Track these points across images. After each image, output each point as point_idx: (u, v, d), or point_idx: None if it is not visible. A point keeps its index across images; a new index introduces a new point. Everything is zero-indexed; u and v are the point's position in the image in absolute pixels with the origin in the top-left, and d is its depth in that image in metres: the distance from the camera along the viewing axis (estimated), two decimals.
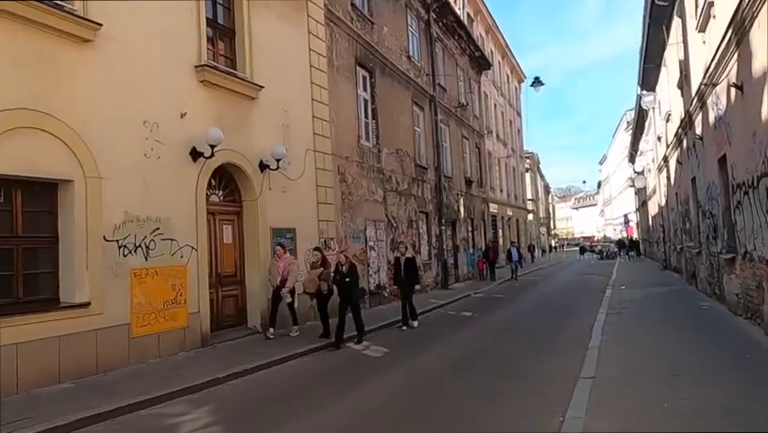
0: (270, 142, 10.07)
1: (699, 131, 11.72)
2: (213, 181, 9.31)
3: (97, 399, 5.84)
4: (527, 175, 49.61)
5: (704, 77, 9.97)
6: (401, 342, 9.52)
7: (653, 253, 32.86)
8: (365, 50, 14.50)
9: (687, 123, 13.03)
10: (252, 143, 9.80)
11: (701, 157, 11.94)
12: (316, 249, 10.41)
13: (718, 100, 9.49)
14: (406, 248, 10.88)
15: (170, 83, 8.22)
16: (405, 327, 10.65)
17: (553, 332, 9.67)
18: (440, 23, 21.22)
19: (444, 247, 19.78)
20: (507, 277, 22.52)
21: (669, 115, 17.33)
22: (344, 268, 9.38)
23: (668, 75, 17.05)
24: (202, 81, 8.74)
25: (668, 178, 19.86)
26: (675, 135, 15.56)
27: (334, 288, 9.59)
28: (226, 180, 9.73)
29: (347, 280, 9.29)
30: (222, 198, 9.66)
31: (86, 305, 6.73)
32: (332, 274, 9.67)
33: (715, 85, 9.48)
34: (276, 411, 5.65)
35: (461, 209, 22.52)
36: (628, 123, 42.26)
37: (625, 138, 46.12)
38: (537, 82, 19.73)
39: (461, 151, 23.67)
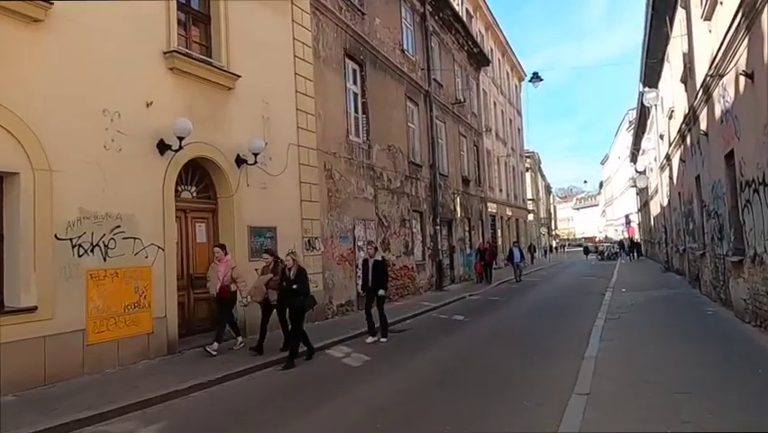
0: (249, 135, 9.48)
1: (703, 126, 11.11)
2: (184, 176, 8.72)
3: (36, 414, 5.25)
4: (528, 175, 49.00)
5: (710, 68, 9.36)
6: (383, 350, 8.91)
7: (654, 254, 32.24)
8: (355, 41, 13.89)
9: (691, 118, 12.42)
10: (228, 136, 9.21)
11: (706, 154, 11.33)
12: (267, 251, 8.75)
13: (725, 92, 8.87)
14: (376, 249, 9.75)
15: (135, 70, 7.63)
16: (371, 339, 9.29)
17: (547, 339, 9.07)
18: (436, 17, 20.60)
19: (439, 247, 19.18)
20: (505, 278, 21.92)
21: (672, 111, 16.71)
22: (291, 273, 7.83)
23: (671, 70, 16.44)
24: (171, 68, 8.15)
25: (670, 177, 19.25)
26: (678, 132, 14.95)
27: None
28: (200, 175, 9.14)
29: (294, 287, 7.74)
30: (195, 194, 9.06)
31: (33, 309, 6.15)
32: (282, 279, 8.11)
33: (722, 76, 8.87)
34: (236, 430, 5.06)
35: (458, 208, 21.91)
36: (630, 122, 41.67)
37: (627, 138, 45.54)
38: (536, 78, 19.12)
39: (457, 148, 23.06)
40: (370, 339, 9.31)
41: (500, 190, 33.94)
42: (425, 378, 6.75)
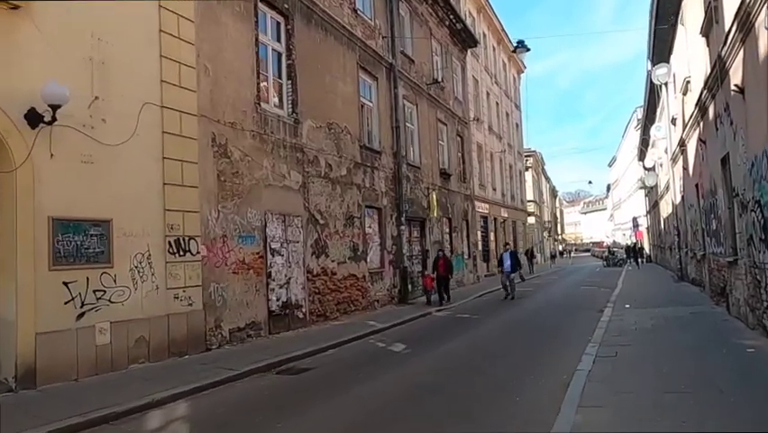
0: (58, 82, 6.30)
1: (737, 79, 7.81)
2: None
3: None
4: (528, 174, 45.61)
5: None
6: (242, 405, 5.69)
7: (665, 260, 28.73)
8: None
9: (717, 77, 9.11)
10: (12, 80, 6.04)
11: (740, 120, 8.03)
12: None
13: None
14: None
15: None
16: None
17: (504, 395, 5.79)
18: None
19: (405, 252, 15.91)
20: (494, 288, 18.53)
21: (688, 83, 13.40)
22: None
23: (686, 32, 13.18)
24: None
25: (685, 168, 15.88)
26: (697, 105, 11.63)
27: None
28: None
29: None
30: None
31: None
32: None
33: None
34: None
35: (434, 206, 18.60)
36: (638, 120, 38.28)
37: (635, 137, 42.00)
38: (522, 47, 15.84)
39: (435, 137, 19.79)
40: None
41: (494, 189, 30.62)
42: None
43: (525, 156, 43.84)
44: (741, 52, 7.57)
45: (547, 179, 63.87)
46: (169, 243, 7.75)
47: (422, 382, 6.54)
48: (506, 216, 33.21)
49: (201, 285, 8.26)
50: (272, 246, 10.04)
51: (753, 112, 7.30)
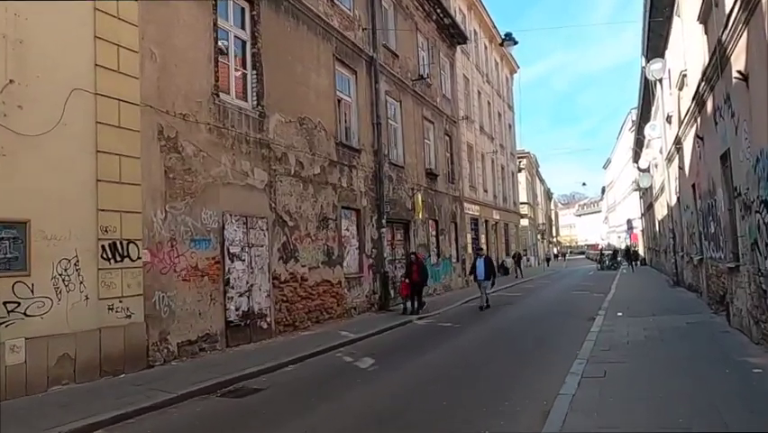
0: None
1: (740, 65, 7.01)
2: None
3: None
4: (522, 176, 44.84)
5: None
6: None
7: (660, 263, 27.99)
8: None
9: (717, 64, 8.30)
10: None
11: (743, 111, 7.23)
12: None
13: None
14: None
15: None
16: None
17: (474, 422, 4.95)
18: None
19: (387, 256, 15.06)
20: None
21: (684, 77, 12.63)
22: None
23: (682, 23, 12.41)
24: None
25: (681, 167, 15.09)
26: (693, 99, 10.85)
27: None
28: None
29: None
30: None
31: None
32: None
33: None
34: None
35: (419, 207, 17.74)
36: (633, 121, 37.59)
37: (630, 139, 41.35)
38: (509, 39, 15.03)
39: (420, 136, 18.96)
40: None
41: (485, 191, 29.79)
42: None
43: (519, 157, 43.04)
44: (744, 34, 6.77)
45: (542, 181, 63.12)
46: (103, 247, 6.86)
47: (381, 409, 5.67)
48: (498, 218, 32.39)
49: (143, 294, 7.37)
50: (231, 251, 9.16)
51: (757, 101, 6.50)
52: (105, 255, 6.87)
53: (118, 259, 7.04)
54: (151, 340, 7.51)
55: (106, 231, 6.92)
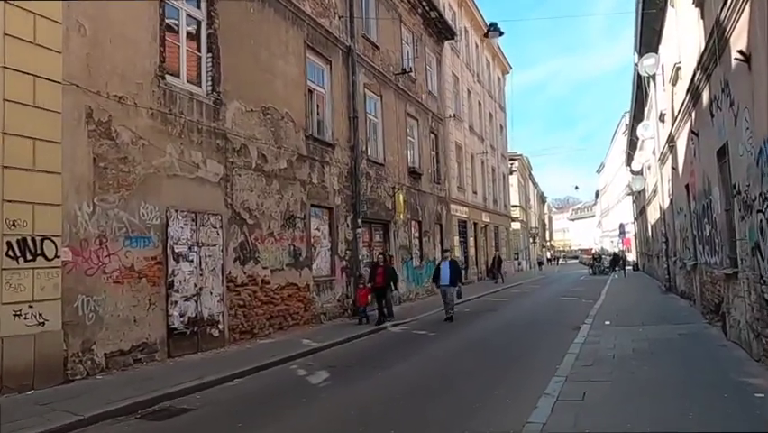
0: None
1: (742, 44, 6.18)
2: None
3: None
4: (513, 179, 44.02)
5: None
6: None
7: (652, 269, 27.20)
8: None
9: (715, 48, 7.47)
10: None
11: (743, 98, 6.41)
12: None
13: None
14: None
15: None
16: None
17: None
18: None
19: (363, 258, 14.16)
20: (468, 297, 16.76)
21: (678, 69, 11.83)
22: None
23: (677, 13, 11.65)
24: None
25: (674, 167, 14.29)
26: (688, 92, 10.04)
27: None
28: None
29: None
30: None
31: None
32: None
33: None
34: None
35: (400, 208, 16.87)
36: (626, 125, 36.93)
37: (623, 142, 40.69)
38: (494, 29, 14.21)
39: (403, 133, 18.09)
40: None
41: (474, 192, 28.97)
42: None
43: (510, 160, 42.28)
44: (747, 9, 5.94)
45: (535, 184, 62.38)
46: (9, 244, 5.94)
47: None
48: (487, 220, 31.58)
49: (61, 298, 6.45)
50: (177, 250, 8.24)
51: (761, 84, 5.67)
52: (10, 253, 5.95)
53: (29, 257, 6.12)
54: (71, 351, 6.58)
55: (14, 225, 6.01)
